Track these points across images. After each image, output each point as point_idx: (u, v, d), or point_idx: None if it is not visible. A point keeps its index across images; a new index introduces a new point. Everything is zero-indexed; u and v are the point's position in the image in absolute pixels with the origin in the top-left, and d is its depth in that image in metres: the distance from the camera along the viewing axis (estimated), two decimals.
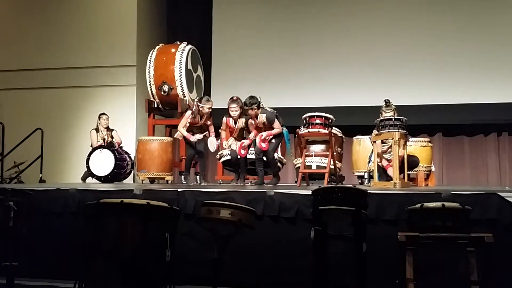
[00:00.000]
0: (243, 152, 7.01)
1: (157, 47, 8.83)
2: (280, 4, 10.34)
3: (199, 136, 7.31)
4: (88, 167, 8.26)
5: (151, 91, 8.61)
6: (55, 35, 10.15)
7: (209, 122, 7.47)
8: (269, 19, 10.32)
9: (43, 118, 9.64)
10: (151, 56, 8.66)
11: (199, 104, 7.34)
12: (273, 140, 6.93)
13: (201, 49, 9.42)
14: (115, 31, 9.95)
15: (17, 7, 10.50)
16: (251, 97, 6.89)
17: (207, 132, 7.42)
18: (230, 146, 7.16)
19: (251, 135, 7.09)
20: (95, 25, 10.03)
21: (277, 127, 6.89)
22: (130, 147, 8.73)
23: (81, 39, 10.01)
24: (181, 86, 8.44)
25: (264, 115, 6.89)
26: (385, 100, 6.83)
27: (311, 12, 10.10)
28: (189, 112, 7.36)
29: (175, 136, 7.64)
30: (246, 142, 7.05)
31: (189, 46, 8.81)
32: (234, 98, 7.23)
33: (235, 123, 7.23)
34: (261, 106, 6.92)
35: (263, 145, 6.81)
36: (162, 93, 8.47)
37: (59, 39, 10.10)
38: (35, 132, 9.03)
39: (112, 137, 8.59)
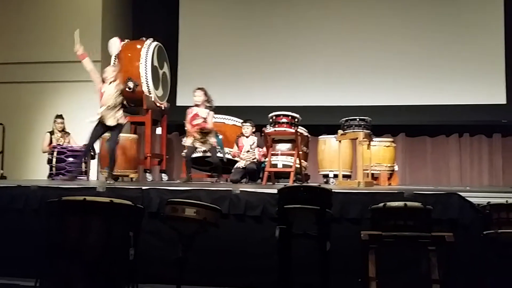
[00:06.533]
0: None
1: (122, 43, 8.70)
2: (247, 0, 10.33)
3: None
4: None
5: None
6: (17, 29, 9.91)
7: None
8: (236, 15, 10.30)
9: (5, 113, 9.36)
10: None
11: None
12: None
13: (167, 46, 9.31)
14: (79, 26, 9.65)
15: None
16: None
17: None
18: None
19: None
20: (59, 19, 9.81)
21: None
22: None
23: (44, 33, 9.79)
24: (146, 83, 8.33)
25: (256, 139, 7.60)
26: None
27: (279, 10, 10.12)
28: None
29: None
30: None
31: (155, 43, 8.70)
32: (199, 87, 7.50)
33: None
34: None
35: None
36: (127, 89, 8.32)
37: (22, 33, 9.86)
38: None
39: (68, 142, 8.37)
